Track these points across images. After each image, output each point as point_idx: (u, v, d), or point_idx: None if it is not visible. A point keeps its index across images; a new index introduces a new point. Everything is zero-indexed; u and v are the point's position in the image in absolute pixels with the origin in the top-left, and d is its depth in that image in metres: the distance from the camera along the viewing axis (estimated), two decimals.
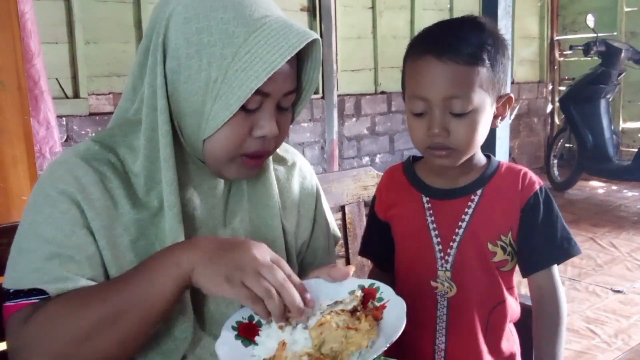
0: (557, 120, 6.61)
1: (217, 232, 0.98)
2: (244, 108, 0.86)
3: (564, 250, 1.12)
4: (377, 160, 5.14)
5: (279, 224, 1.03)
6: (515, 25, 5.39)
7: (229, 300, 0.96)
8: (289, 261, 1.03)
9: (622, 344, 2.69)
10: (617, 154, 5.42)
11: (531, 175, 1.14)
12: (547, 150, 6.06)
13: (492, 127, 1.11)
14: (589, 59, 5.42)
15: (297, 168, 1.12)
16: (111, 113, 1.00)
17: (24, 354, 0.82)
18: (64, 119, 3.38)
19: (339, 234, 1.21)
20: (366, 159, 5.07)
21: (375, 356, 0.75)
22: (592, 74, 5.29)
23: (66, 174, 0.87)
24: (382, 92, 5.12)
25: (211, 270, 0.80)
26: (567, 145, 5.72)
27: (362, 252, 1.29)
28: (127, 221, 0.89)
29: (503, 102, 1.11)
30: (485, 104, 1.05)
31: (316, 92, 4.59)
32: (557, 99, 6.39)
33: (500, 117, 1.12)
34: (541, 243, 1.11)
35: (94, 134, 1.14)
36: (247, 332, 0.83)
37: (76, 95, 3.51)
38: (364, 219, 1.53)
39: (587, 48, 5.16)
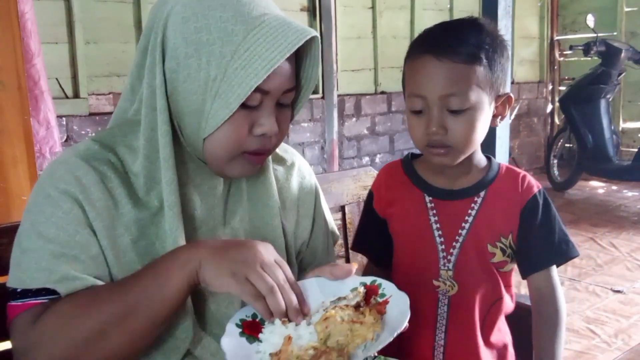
0: (557, 120, 6.61)
1: (217, 232, 0.98)
2: (244, 106, 0.86)
3: (562, 252, 1.14)
4: (377, 160, 5.14)
5: (279, 223, 1.03)
6: (515, 25, 5.39)
7: (229, 300, 0.96)
8: (288, 261, 1.03)
9: (622, 344, 2.69)
10: (617, 154, 5.42)
11: (530, 178, 1.16)
12: (547, 150, 6.06)
13: (492, 126, 1.12)
14: (589, 59, 5.42)
15: (296, 168, 1.12)
16: (111, 113, 1.00)
17: (32, 354, 0.82)
18: (64, 119, 3.38)
19: (337, 233, 1.21)
20: (366, 159, 5.06)
21: (380, 347, 0.77)
22: (592, 74, 5.29)
23: (67, 174, 0.87)
24: (382, 92, 5.12)
25: (217, 265, 0.81)
26: (567, 145, 5.72)
27: (356, 248, 1.29)
28: (127, 221, 0.89)
29: (502, 102, 1.11)
30: (483, 103, 1.05)
31: (316, 92, 4.58)
32: (557, 99, 6.39)
33: (500, 117, 1.13)
34: (540, 245, 1.13)
35: (93, 134, 1.14)
36: (251, 330, 0.84)
37: (76, 95, 3.51)
38: None
39: (587, 48, 5.16)
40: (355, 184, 1.56)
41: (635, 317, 2.97)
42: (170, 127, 0.89)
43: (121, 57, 3.65)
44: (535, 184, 1.15)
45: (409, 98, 1.08)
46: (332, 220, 1.20)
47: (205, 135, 0.88)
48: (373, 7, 4.99)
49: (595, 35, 5.25)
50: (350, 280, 0.91)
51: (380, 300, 0.87)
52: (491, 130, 1.14)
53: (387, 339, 0.77)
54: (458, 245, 1.13)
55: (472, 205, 1.13)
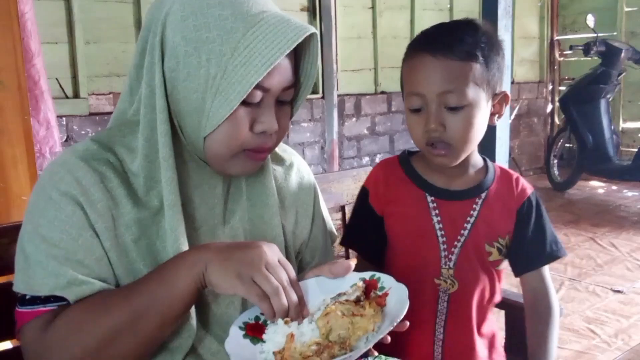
0: (557, 120, 6.61)
1: (217, 231, 0.98)
2: (244, 104, 0.87)
3: (553, 252, 1.19)
4: (377, 160, 5.14)
5: (279, 222, 1.03)
6: (515, 25, 5.39)
7: (230, 299, 0.97)
8: (288, 259, 1.03)
9: (622, 344, 2.69)
10: (617, 154, 5.42)
11: (523, 180, 1.21)
12: (547, 150, 6.06)
13: (490, 125, 1.14)
14: (589, 59, 5.42)
15: (295, 168, 1.12)
16: (111, 113, 1.00)
17: None
18: (64, 119, 3.38)
19: (335, 233, 1.22)
20: (366, 159, 5.06)
21: (381, 337, 0.79)
22: (592, 74, 5.29)
23: (67, 175, 0.87)
24: (382, 92, 5.11)
25: (223, 267, 0.81)
26: (567, 145, 5.72)
27: (347, 243, 1.29)
28: (128, 220, 0.89)
29: (499, 100, 1.13)
30: (480, 100, 1.07)
31: (316, 92, 4.58)
32: (557, 99, 6.39)
33: (497, 115, 1.15)
34: (534, 245, 1.18)
35: (93, 134, 1.14)
36: (255, 331, 0.85)
37: (76, 95, 3.51)
38: None
39: (587, 48, 5.16)
40: (355, 184, 1.56)
41: (635, 317, 2.97)
42: (170, 126, 0.89)
43: (121, 57, 3.65)
44: (528, 186, 1.20)
45: (407, 97, 1.10)
46: (331, 220, 1.21)
47: (206, 133, 0.88)
48: (373, 7, 4.99)
49: (595, 35, 5.25)
50: (349, 277, 0.92)
51: (380, 293, 0.88)
52: (491, 130, 1.16)
53: (387, 328, 0.79)
54: (459, 244, 1.15)
55: (474, 206, 1.15)
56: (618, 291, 3.29)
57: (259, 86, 0.86)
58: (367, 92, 5.04)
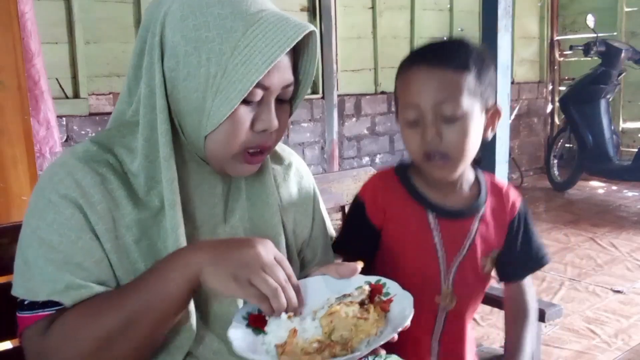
0: (557, 120, 6.61)
1: (217, 230, 0.98)
2: (244, 102, 0.87)
3: (539, 260, 1.24)
4: (377, 160, 5.14)
5: (279, 221, 1.03)
6: (515, 25, 5.38)
7: (232, 298, 0.96)
8: (289, 258, 1.04)
9: (622, 344, 2.69)
10: (617, 154, 5.42)
11: (512, 191, 1.23)
12: (547, 150, 6.06)
13: (484, 139, 1.13)
14: (589, 59, 5.42)
15: (294, 168, 1.12)
16: (111, 113, 1.00)
17: None
18: (64, 119, 3.38)
19: (334, 233, 1.21)
20: (366, 159, 5.06)
21: (383, 342, 0.79)
22: (592, 74, 5.28)
23: (66, 177, 0.87)
24: (382, 92, 5.11)
25: (218, 270, 0.81)
26: (567, 145, 5.72)
27: (338, 250, 1.28)
28: (129, 221, 0.89)
29: (492, 114, 1.13)
30: (475, 110, 1.07)
31: (316, 92, 4.59)
32: (557, 99, 6.39)
33: (490, 128, 1.15)
34: (520, 256, 1.22)
35: (93, 135, 1.14)
36: (257, 323, 0.85)
37: (76, 95, 3.52)
38: None
39: (587, 48, 5.16)
40: (355, 184, 1.56)
41: (635, 317, 2.97)
42: (170, 126, 0.89)
43: (121, 57, 3.65)
44: (517, 197, 1.23)
45: (402, 110, 1.10)
46: (329, 220, 1.20)
47: (207, 132, 0.88)
48: (373, 7, 4.99)
49: (595, 35, 5.24)
50: (355, 279, 0.92)
51: (384, 298, 0.89)
52: None
53: (389, 334, 0.79)
54: (457, 262, 1.17)
55: (473, 222, 1.17)
56: (618, 291, 3.29)
57: (259, 84, 0.86)
58: (367, 92, 5.04)
